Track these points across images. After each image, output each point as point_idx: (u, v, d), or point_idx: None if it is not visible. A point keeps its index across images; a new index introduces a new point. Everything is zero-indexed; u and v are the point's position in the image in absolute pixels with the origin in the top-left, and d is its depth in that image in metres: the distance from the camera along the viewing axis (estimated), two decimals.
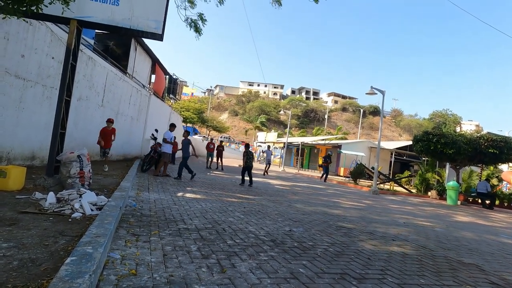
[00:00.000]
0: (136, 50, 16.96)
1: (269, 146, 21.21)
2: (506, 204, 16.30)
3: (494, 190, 16.13)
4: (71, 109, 6.41)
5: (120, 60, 15.35)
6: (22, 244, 2.82)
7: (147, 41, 17.15)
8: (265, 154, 21.81)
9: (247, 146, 11.67)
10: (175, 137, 16.41)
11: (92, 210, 4.20)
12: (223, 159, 18.49)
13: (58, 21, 6.51)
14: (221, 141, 20.39)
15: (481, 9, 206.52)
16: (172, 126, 11.24)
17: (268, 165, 19.22)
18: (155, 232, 3.92)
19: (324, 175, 19.38)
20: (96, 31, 13.04)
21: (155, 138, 11.51)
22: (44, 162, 7.60)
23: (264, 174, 17.95)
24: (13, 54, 6.80)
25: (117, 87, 12.50)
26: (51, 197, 4.35)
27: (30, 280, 2.18)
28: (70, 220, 3.77)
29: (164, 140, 10.41)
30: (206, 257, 3.23)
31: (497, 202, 15.81)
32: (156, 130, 12.03)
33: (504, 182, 20.20)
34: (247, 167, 10.85)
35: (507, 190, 20.00)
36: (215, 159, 17.79)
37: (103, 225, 3.28)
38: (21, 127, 7.33)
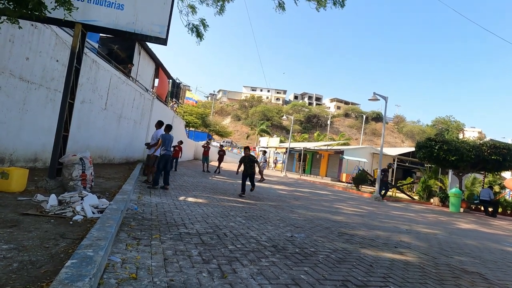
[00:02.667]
0: (140, 54, 17.09)
1: (264, 152, 20.77)
2: (509, 211, 16.18)
3: (497, 198, 16.02)
4: (74, 112, 6.43)
5: (124, 64, 15.44)
6: (23, 246, 2.82)
7: (151, 45, 17.31)
8: (262, 161, 21.37)
9: (246, 149, 9.65)
10: (181, 141, 16.43)
11: (93, 213, 4.19)
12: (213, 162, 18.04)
13: (63, 25, 6.55)
14: (221, 146, 20.27)
15: (486, 16, 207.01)
16: (159, 124, 8.62)
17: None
18: (156, 236, 3.91)
19: (384, 191, 16.05)
20: (101, 34, 13.13)
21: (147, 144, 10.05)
22: (47, 164, 7.61)
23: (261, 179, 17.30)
24: (17, 57, 6.85)
25: (121, 90, 12.56)
26: (52, 199, 4.35)
27: (30, 283, 2.17)
28: (71, 222, 3.76)
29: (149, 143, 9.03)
30: (207, 262, 3.22)
31: (500, 210, 15.70)
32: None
33: (507, 190, 20.05)
34: (246, 175, 9.21)
35: (510, 198, 19.86)
36: (215, 164, 17.72)
37: (104, 228, 3.27)
38: (25, 129, 7.36)
